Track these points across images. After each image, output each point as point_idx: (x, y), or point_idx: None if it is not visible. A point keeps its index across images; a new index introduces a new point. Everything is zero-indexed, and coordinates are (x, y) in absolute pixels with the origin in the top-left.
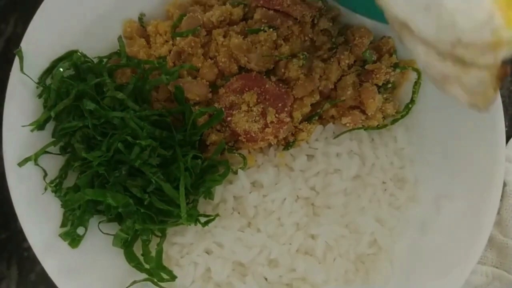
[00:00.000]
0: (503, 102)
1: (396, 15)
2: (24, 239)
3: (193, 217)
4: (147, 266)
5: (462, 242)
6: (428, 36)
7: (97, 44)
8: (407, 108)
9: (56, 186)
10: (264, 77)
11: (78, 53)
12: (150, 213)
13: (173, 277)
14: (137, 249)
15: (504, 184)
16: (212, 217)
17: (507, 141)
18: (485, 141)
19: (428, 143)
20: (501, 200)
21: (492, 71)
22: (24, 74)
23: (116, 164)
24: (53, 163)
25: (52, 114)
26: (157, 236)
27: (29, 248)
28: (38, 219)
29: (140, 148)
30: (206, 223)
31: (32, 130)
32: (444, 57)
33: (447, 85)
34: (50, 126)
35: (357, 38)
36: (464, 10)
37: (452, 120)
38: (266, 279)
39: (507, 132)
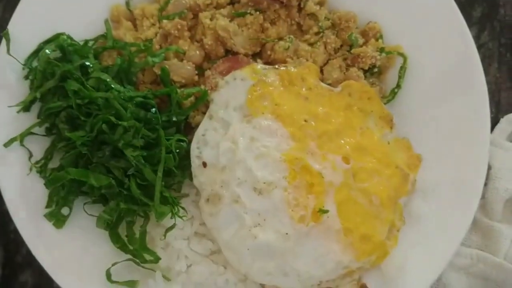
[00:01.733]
0: (489, 89)
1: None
2: (10, 220)
3: (164, 214)
4: (131, 248)
5: (447, 225)
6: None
7: (84, 27)
8: (393, 93)
9: (41, 167)
10: (251, 59)
11: (64, 36)
12: (133, 195)
13: (156, 258)
14: (123, 231)
15: (489, 168)
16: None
17: (493, 126)
18: (470, 126)
19: (413, 130)
20: (486, 184)
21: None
22: (11, 56)
23: (100, 145)
24: (39, 145)
25: (38, 95)
26: (141, 217)
27: (15, 230)
28: (24, 200)
29: (124, 129)
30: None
31: (18, 111)
32: None
33: None
34: (36, 108)
35: (343, 22)
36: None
37: (437, 106)
38: None
39: (493, 118)
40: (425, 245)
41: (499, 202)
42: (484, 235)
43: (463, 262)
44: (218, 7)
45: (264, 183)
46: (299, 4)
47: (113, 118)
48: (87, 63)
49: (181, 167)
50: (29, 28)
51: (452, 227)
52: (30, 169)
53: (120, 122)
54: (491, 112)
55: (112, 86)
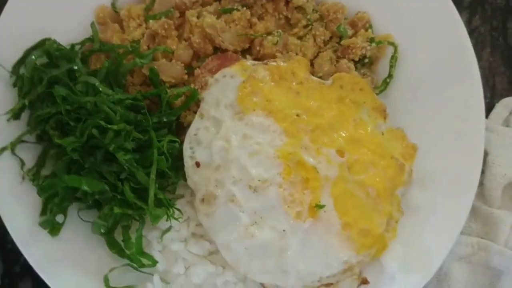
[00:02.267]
0: (483, 73)
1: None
2: (7, 231)
3: (159, 217)
4: (128, 252)
5: (446, 214)
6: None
7: (71, 31)
8: (385, 83)
9: (34, 175)
10: (240, 56)
11: (51, 41)
12: (127, 199)
13: (154, 262)
14: (119, 236)
15: (486, 154)
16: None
17: (489, 111)
18: (464, 114)
19: (407, 120)
20: (483, 171)
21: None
22: None
23: (92, 150)
24: (31, 152)
25: (26, 102)
26: (136, 220)
27: (12, 241)
28: (18, 209)
29: (114, 132)
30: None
31: (8, 120)
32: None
33: None
34: (26, 115)
35: (331, 14)
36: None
37: (430, 95)
38: None
39: (488, 103)
40: (424, 236)
41: (498, 189)
42: (483, 222)
43: (464, 251)
44: (204, 4)
45: (259, 180)
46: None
47: (102, 122)
48: (75, 68)
49: (174, 168)
50: (14, 34)
51: (451, 216)
52: (23, 178)
53: (110, 126)
54: (486, 97)
55: (101, 89)
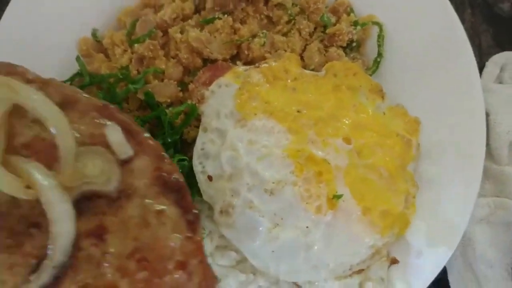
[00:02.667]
0: (468, 35)
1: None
2: None
3: None
4: None
5: (460, 181)
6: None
7: (58, 69)
8: (376, 63)
9: None
10: (230, 63)
11: None
12: None
13: None
14: None
15: (487, 114)
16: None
17: (480, 72)
18: (459, 81)
19: (404, 96)
20: (487, 132)
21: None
22: None
23: None
24: None
25: None
26: None
27: None
28: None
29: None
30: None
31: None
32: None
33: None
34: None
35: (312, 5)
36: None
37: (422, 69)
38: None
39: (478, 63)
40: (443, 206)
41: (504, 146)
42: (496, 181)
43: (482, 213)
44: (185, 18)
45: (273, 182)
46: None
47: None
48: None
49: (188, 186)
50: None
51: (465, 182)
52: None
53: None
54: (475, 57)
55: None
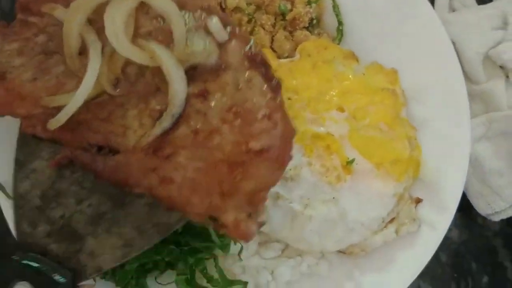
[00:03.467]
0: None
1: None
2: None
3: (228, 244)
4: None
5: (451, 111)
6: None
7: None
8: (340, 32)
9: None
10: None
11: None
12: (194, 247)
13: (244, 284)
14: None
15: (454, 44)
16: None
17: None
18: (421, 23)
19: (377, 54)
20: (459, 57)
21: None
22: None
23: None
24: None
25: None
26: (208, 259)
27: None
28: None
29: None
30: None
31: None
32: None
33: None
34: None
35: (265, 0)
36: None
37: (380, 18)
38: None
39: None
40: (444, 137)
41: (477, 67)
42: (481, 100)
43: (479, 131)
44: None
45: (290, 169)
46: (220, 6)
47: None
48: None
49: None
50: None
51: (456, 110)
52: (94, 280)
53: None
54: None
55: None
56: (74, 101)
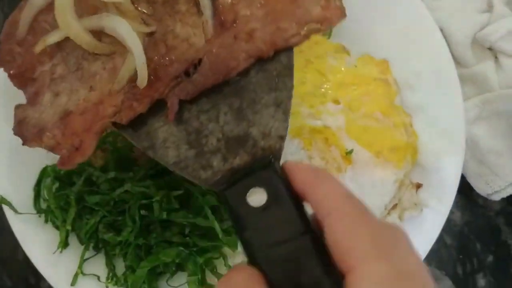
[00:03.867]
0: None
1: None
2: None
3: (235, 241)
4: None
5: (443, 96)
6: None
7: None
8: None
9: (113, 278)
10: None
11: (49, 167)
12: (202, 247)
13: None
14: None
15: (442, 30)
16: None
17: None
18: (408, 13)
19: (369, 46)
20: (448, 44)
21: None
22: (20, 213)
23: (148, 227)
24: (96, 263)
25: (68, 227)
26: (217, 258)
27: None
28: None
29: (158, 202)
30: None
31: (61, 251)
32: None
33: None
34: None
35: None
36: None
37: (369, 11)
38: None
39: None
40: (439, 121)
41: (466, 50)
42: (472, 82)
43: (473, 113)
44: None
45: None
46: None
47: (144, 201)
48: (93, 173)
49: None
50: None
51: (448, 94)
52: (107, 287)
53: (153, 200)
54: None
55: (123, 177)
56: (139, 60)
